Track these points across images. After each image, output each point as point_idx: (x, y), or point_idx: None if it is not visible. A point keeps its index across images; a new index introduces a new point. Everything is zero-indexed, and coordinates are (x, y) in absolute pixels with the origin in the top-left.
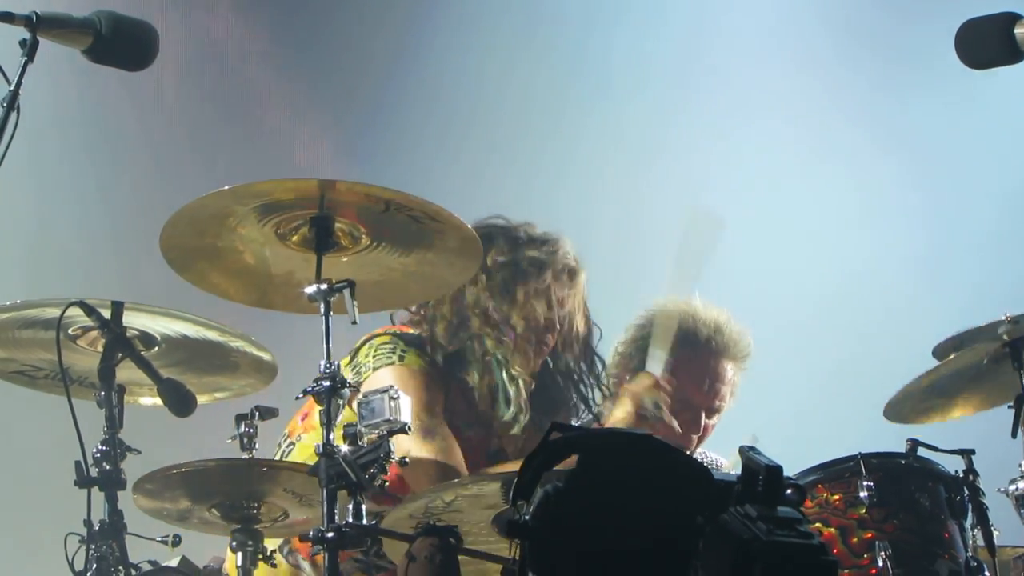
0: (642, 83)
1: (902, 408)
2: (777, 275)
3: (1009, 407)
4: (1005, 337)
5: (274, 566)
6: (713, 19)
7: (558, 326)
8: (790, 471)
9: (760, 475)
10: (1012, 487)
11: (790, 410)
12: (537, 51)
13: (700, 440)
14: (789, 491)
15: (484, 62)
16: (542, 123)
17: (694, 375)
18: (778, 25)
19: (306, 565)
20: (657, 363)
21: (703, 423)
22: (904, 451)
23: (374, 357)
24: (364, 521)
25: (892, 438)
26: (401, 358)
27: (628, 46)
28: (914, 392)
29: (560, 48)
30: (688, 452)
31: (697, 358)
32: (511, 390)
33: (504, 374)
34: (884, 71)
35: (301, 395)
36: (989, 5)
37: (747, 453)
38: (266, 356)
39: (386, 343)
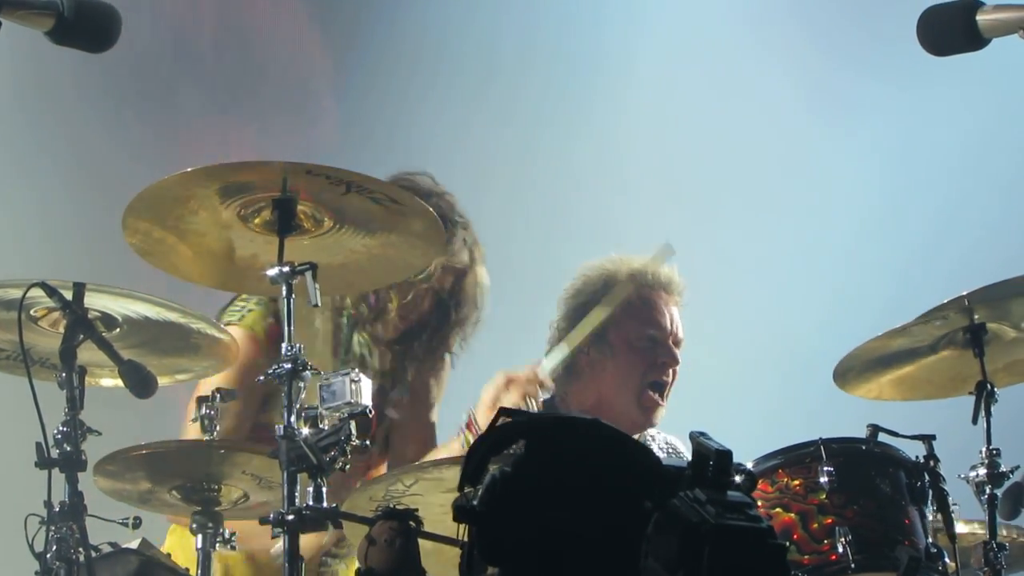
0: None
1: (848, 374)
2: (740, 259)
3: (970, 394)
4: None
5: (233, 548)
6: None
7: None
8: (753, 455)
9: (710, 460)
10: (972, 473)
11: (753, 396)
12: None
13: (673, 380)
14: (740, 477)
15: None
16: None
17: (648, 313)
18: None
19: None
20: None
21: (677, 355)
22: (865, 436)
23: (228, 312)
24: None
25: (853, 423)
26: (241, 318)
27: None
28: (863, 357)
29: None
30: (667, 389)
31: (646, 295)
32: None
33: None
34: (845, 59)
35: (262, 378)
36: None
37: (698, 439)
38: (226, 337)
39: (242, 300)
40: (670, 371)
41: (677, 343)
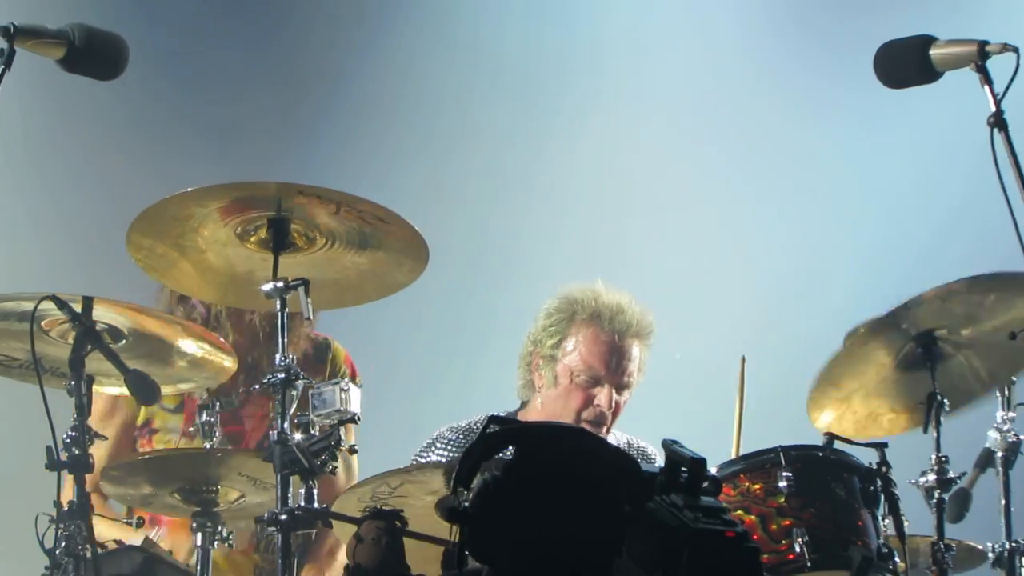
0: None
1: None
2: (701, 269)
3: (920, 404)
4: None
5: (231, 546)
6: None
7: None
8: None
9: (683, 466)
10: (922, 479)
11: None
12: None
13: (615, 416)
14: (706, 483)
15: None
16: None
17: (600, 352)
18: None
19: None
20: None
21: (614, 399)
22: (821, 444)
23: None
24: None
25: (811, 431)
26: None
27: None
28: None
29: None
30: (606, 428)
31: (601, 336)
32: None
33: None
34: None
35: (256, 388)
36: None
37: (671, 446)
38: (226, 352)
39: None
40: (607, 411)
41: (623, 386)
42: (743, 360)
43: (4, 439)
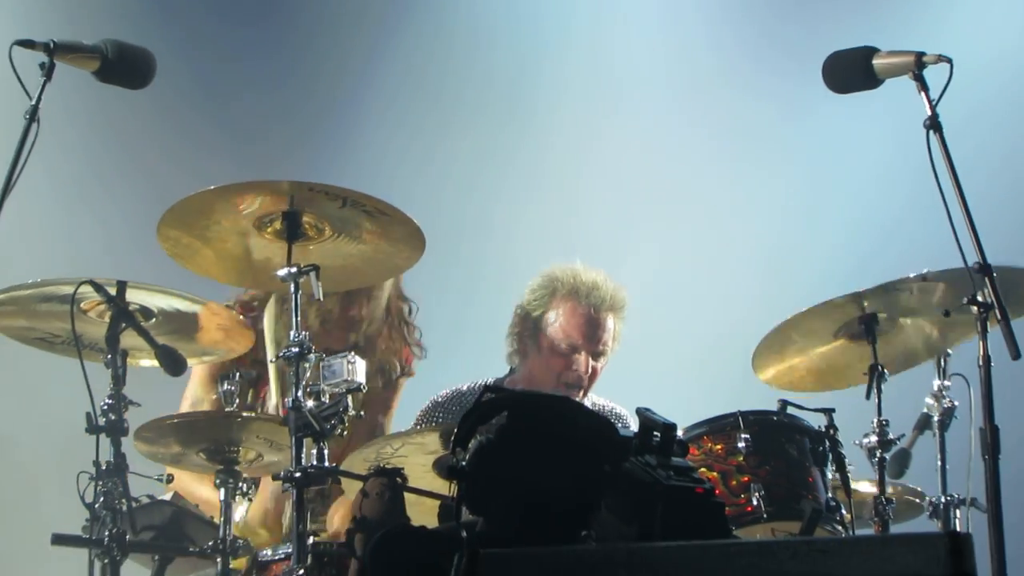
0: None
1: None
2: (671, 258)
3: (864, 375)
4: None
5: (250, 500)
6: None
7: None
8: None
9: (656, 431)
10: (865, 440)
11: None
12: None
13: (591, 380)
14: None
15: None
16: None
17: (578, 324)
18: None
19: None
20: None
21: (590, 365)
22: (776, 409)
23: None
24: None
25: (767, 398)
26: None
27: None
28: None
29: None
30: (583, 392)
31: (578, 309)
32: None
33: None
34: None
35: (273, 359)
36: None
37: (644, 413)
38: (244, 328)
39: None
40: (584, 375)
41: (599, 353)
42: None
43: (50, 406)
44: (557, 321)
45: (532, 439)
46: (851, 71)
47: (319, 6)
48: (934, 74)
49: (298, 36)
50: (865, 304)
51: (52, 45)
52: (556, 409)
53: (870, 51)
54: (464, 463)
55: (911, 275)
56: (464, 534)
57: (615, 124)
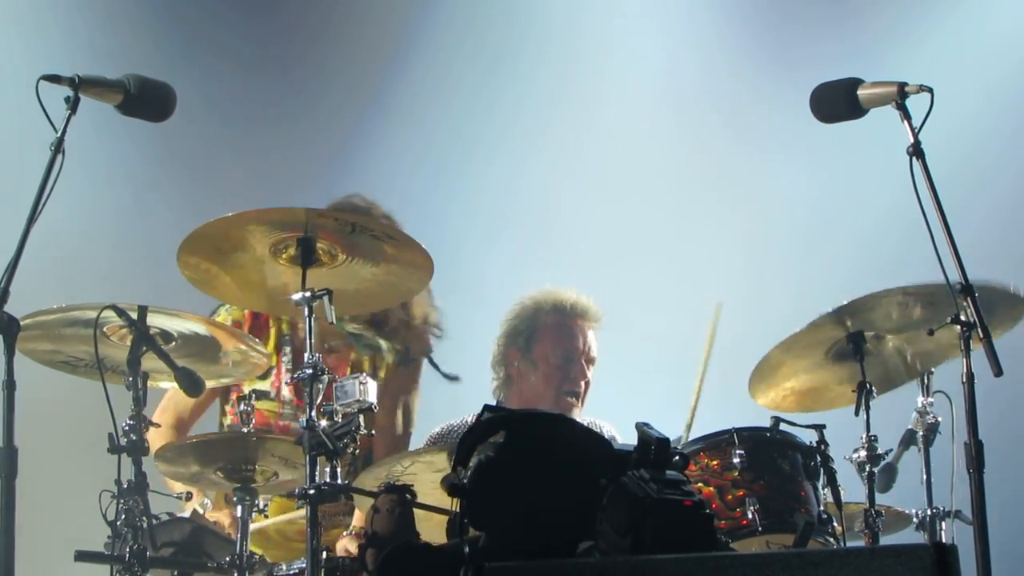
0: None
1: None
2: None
3: (853, 391)
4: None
5: (266, 516)
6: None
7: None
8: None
9: (652, 445)
10: (855, 455)
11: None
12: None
13: (586, 388)
14: (676, 458)
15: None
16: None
17: (566, 336)
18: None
19: None
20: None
21: (586, 373)
22: (769, 426)
23: (215, 314)
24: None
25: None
26: (219, 314)
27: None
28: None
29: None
30: (582, 393)
31: (564, 323)
32: None
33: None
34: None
35: (289, 380)
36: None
37: (642, 428)
38: (260, 351)
39: (223, 308)
40: (582, 382)
41: (589, 360)
42: (718, 305)
43: (74, 427)
44: (548, 336)
45: (530, 456)
46: (837, 101)
47: (334, 29)
48: (915, 102)
49: (306, 60)
50: (848, 323)
51: (77, 80)
52: (554, 427)
53: (855, 82)
54: (465, 480)
55: (888, 288)
56: (467, 549)
57: (618, 143)
